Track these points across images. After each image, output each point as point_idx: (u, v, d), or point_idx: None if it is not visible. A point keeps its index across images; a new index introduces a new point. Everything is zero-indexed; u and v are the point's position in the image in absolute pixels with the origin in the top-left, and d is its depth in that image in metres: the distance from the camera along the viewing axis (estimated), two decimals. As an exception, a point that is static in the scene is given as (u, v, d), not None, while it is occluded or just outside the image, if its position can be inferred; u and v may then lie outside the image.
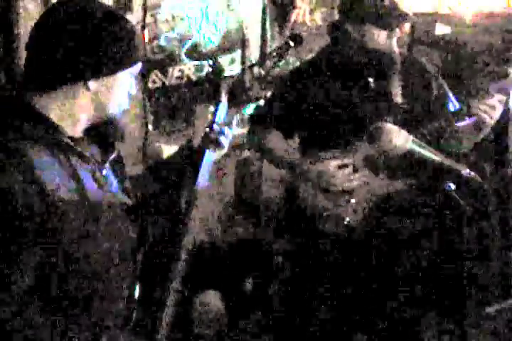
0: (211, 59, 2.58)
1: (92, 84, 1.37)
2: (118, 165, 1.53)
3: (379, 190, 2.35)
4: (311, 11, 3.76)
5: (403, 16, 2.33)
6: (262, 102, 3.50)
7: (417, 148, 1.63)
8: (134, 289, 1.52)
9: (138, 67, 1.46)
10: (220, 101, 1.84)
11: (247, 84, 3.42)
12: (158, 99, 3.37)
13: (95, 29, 1.36)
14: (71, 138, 1.39)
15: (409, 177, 2.34)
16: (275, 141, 2.51)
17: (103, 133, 1.48)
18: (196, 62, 3.41)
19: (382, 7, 2.28)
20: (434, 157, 1.65)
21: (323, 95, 2.40)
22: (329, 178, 2.34)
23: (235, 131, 3.32)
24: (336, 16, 3.22)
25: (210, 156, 1.72)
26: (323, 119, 2.40)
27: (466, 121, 2.26)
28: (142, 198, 1.66)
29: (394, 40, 2.36)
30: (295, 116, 2.45)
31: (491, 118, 2.22)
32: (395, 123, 1.91)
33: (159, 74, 3.32)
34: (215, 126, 1.74)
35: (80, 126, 1.43)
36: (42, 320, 1.30)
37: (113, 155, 1.49)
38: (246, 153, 3.70)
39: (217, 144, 1.72)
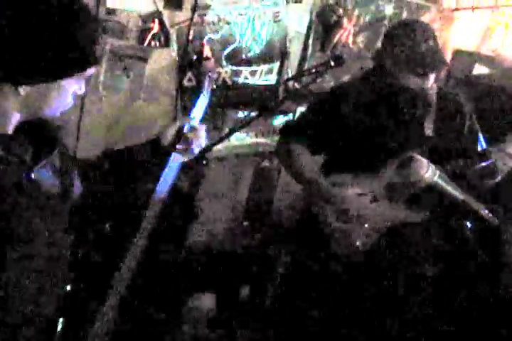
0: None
1: (24, 88, 1.20)
2: (62, 161, 1.38)
3: (394, 219, 2.37)
4: (355, 34, 3.79)
5: (437, 65, 2.30)
6: (291, 115, 3.56)
7: (442, 183, 1.65)
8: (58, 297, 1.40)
9: (90, 71, 1.28)
10: (200, 92, 1.72)
11: (280, 96, 3.47)
12: (190, 97, 3.40)
13: (36, 27, 1.14)
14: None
15: (425, 210, 2.35)
16: (301, 156, 2.53)
17: (39, 130, 1.34)
18: (234, 67, 3.44)
19: (417, 53, 2.25)
20: (456, 193, 1.67)
21: (357, 119, 2.42)
22: (346, 204, 2.36)
23: (258, 140, 3.35)
24: (380, 43, 3.25)
25: (177, 159, 1.59)
26: (353, 142, 2.42)
27: (483, 164, 2.27)
28: (88, 197, 1.53)
29: (429, 82, 2.35)
30: (326, 135, 2.47)
31: (504, 165, 2.22)
32: (421, 156, 1.93)
33: (196, 74, 3.36)
34: (188, 127, 1.59)
35: (9, 124, 1.26)
36: None
37: (51, 155, 1.34)
38: (265, 163, 3.73)
39: (186, 149, 1.59)
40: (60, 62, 1.18)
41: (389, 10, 3.85)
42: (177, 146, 1.59)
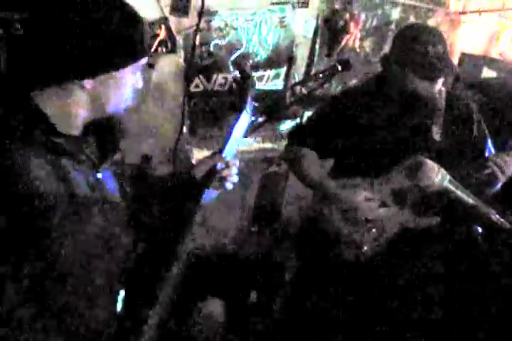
0: (240, 64, 2.48)
1: (88, 82, 1.27)
2: (120, 166, 1.47)
3: (402, 223, 2.35)
4: (362, 38, 3.79)
5: (445, 70, 2.27)
6: (298, 120, 3.55)
7: (453, 188, 1.64)
8: (118, 296, 1.45)
9: (143, 61, 1.35)
10: (242, 110, 1.68)
11: (287, 101, 3.47)
12: (197, 103, 3.40)
13: (91, 23, 1.23)
14: (67, 136, 1.30)
15: (435, 215, 2.34)
16: (310, 160, 2.52)
17: (104, 133, 1.40)
18: (241, 73, 3.45)
19: (425, 58, 2.22)
20: (467, 198, 1.66)
21: (364, 123, 2.41)
22: (354, 208, 2.35)
23: (265, 145, 3.34)
24: (386, 48, 3.23)
25: (210, 195, 1.59)
26: (361, 146, 2.41)
27: (487, 171, 2.24)
28: (142, 201, 1.57)
29: (437, 86, 2.33)
30: (334, 139, 2.46)
31: (503, 174, 2.20)
32: (432, 160, 1.91)
33: (203, 80, 3.36)
34: (226, 155, 1.60)
35: (77, 124, 1.34)
36: (31, 324, 1.23)
37: (114, 157, 1.41)
38: (273, 168, 3.72)
39: (221, 185, 1.60)
40: (115, 53, 1.27)
41: (395, 14, 3.85)
42: (211, 183, 1.59)
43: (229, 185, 1.62)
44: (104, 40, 1.25)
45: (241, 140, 1.68)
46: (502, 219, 1.67)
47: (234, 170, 1.63)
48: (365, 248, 2.37)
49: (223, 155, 1.62)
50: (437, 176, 1.61)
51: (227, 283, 3.29)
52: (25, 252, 1.21)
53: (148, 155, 3.12)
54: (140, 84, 1.38)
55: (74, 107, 1.30)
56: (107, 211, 1.35)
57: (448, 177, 1.61)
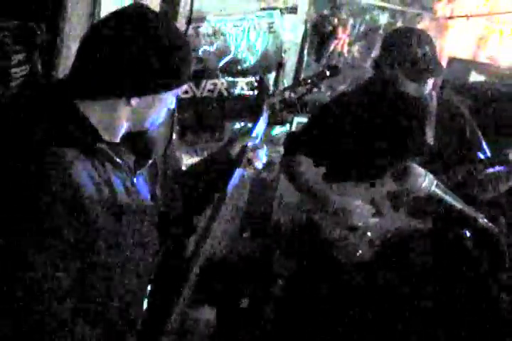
0: (259, 75, 2.61)
1: (134, 100, 1.37)
2: (152, 173, 1.55)
3: (396, 227, 2.36)
4: (350, 43, 3.80)
5: (434, 70, 2.31)
6: (288, 126, 3.56)
7: (440, 192, 1.65)
8: (146, 295, 1.54)
9: (183, 87, 1.47)
10: (260, 115, 1.85)
11: (277, 107, 3.47)
12: (186, 109, 3.40)
13: (147, 48, 1.34)
14: (108, 143, 1.39)
15: (427, 218, 2.35)
16: (306, 167, 2.54)
17: (139, 141, 1.49)
18: (230, 79, 3.45)
19: (414, 59, 2.26)
20: (454, 203, 1.67)
21: (359, 128, 2.42)
22: (349, 213, 2.36)
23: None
24: (375, 52, 3.24)
25: (240, 173, 1.73)
26: (355, 151, 2.42)
27: (497, 168, 2.26)
28: (170, 206, 1.66)
29: (427, 88, 2.35)
30: (329, 145, 2.47)
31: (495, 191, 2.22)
32: (424, 164, 1.92)
33: (192, 86, 3.37)
34: (251, 145, 1.75)
35: (117, 133, 1.44)
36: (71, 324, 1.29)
37: (147, 164, 1.49)
38: (263, 174, 3.72)
39: (251, 164, 1.75)
40: (163, 77, 1.37)
41: (383, 19, 3.87)
42: (242, 161, 1.74)
43: (259, 165, 1.78)
44: (156, 65, 1.35)
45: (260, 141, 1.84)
46: (490, 223, 1.68)
47: (261, 152, 1.78)
48: (361, 252, 2.37)
49: (252, 135, 1.79)
50: (424, 181, 1.62)
51: (218, 289, 3.28)
52: (74, 250, 1.28)
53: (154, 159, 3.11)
54: (173, 105, 1.50)
55: (117, 119, 1.40)
56: (141, 214, 1.44)
57: (435, 182, 1.61)
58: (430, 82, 2.34)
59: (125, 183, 1.41)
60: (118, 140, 1.44)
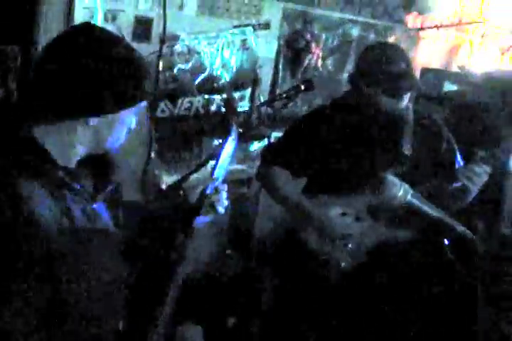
0: (226, 94, 2.56)
1: (92, 120, 1.34)
2: (114, 197, 1.50)
3: (377, 238, 2.37)
4: (324, 57, 3.84)
5: (410, 86, 2.31)
6: (266, 141, 3.57)
7: (416, 202, 1.66)
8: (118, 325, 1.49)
9: (143, 104, 1.43)
10: (228, 136, 1.75)
11: (254, 122, 3.49)
12: (164, 128, 3.41)
13: (102, 66, 1.31)
14: (65, 169, 1.35)
15: (407, 229, 2.36)
16: (283, 180, 2.52)
17: (99, 164, 1.45)
18: (206, 96, 3.47)
19: (390, 75, 2.26)
20: (431, 212, 1.68)
21: (334, 141, 2.42)
22: (329, 225, 2.36)
23: (235, 167, 3.33)
24: (349, 66, 3.28)
25: (202, 219, 1.65)
26: (332, 165, 2.43)
27: (457, 184, 2.28)
28: (136, 231, 1.62)
29: (403, 103, 2.37)
30: (305, 158, 2.47)
31: (474, 185, 2.23)
32: (402, 175, 1.94)
33: (169, 104, 3.37)
34: (211, 188, 1.66)
35: (75, 157, 1.39)
36: None
37: (108, 188, 1.45)
38: (243, 189, 3.73)
39: (209, 212, 1.65)
40: (121, 95, 1.35)
41: (355, 32, 3.92)
42: (202, 208, 1.65)
43: (221, 209, 1.68)
44: (114, 83, 1.32)
45: (228, 165, 1.75)
46: (467, 230, 1.70)
47: (224, 195, 1.68)
48: (343, 264, 2.37)
49: (214, 176, 1.69)
50: (399, 191, 1.63)
51: (204, 307, 3.26)
52: (30, 277, 1.24)
53: (118, 182, 3.10)
54: (134, 125, 1.45)
55: (75, 142, 1.36)
56: (103, 240, 1.39)
57: (411, 191, 1.63)
58: (407, 97, 2.35)
59: (84, 209, 1.36)
60: (75, 164, 1.40)
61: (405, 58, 2.33)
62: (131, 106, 1.39)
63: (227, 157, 1.74)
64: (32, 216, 1.23)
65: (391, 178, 1.66)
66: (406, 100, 2.36)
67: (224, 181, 1.72)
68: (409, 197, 1.64)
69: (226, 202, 1.70)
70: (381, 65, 2.27)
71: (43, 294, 1.27)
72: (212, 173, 1.69)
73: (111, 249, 1.43)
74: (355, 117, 2.44)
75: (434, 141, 2.48)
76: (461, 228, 1.69)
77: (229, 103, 2.05)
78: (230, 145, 1.75)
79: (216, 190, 1.68)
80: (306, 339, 2.47)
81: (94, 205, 1.41)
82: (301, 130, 2.54)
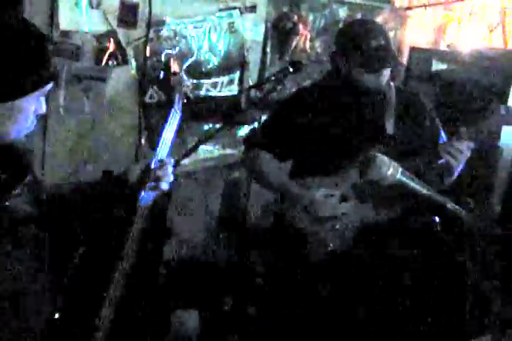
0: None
1: None
2: (33, 187, 1.40)
3: (365, 218, 2.38)
4: (312, 39, 3.82)
5: (388, 61, 2.32)
6: (256, 124, 3.56)
7: (406, 180, 1.66)
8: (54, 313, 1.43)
9: (47, 87, 1.31)
10: (171, 108, 1.67)
11: (243, 106, 3.48)
12: (153, 114, 3.39)
13: None
14: None
15: (395, 207, 2.37)
16: (268, 164, 2.53)
17: (6, 155, 1.34)
18: (195, 81, 3.44)
19: (367, 50, 2.28)
20: (421, 189, 1.69)
21: (317, 122, 2.43)
22: (316, 206, 2.37)
23: (226, 151, 3.33)
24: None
25: (146, 197, 1.54)
26: (316, 146, 2.44)
27: (441, 160, 2.29)
28: (62, 224, 1.51)
29: (383, 78, 2.37)
30: (289, 141, 2.48)
31: (456, 161, 2.24)
32: (386, 154, 1.95)
33: (157, 90, 3.35)
34: (156, 162, 1.54)
35: None
36: None
37: (23, 181, 1.35)
38: (235, 174, 3.72)
39: (155, 186, 1.53)
40: (14, 82, 1.21)
41: (343, 13, 3.89)
42: (146, 185, 1.53)
43: (164, 185, 1.54)
44: (3, 70, 1.20)
45: (173, 138, 1.66)
46: (458, 207, 1.70)
47: (169, 169, 1.55)
48: (332, 245, 2.38)
49: (157, 153, 1.59)
50: (389, 169, 1.63)
51: (199, 291, 3.28)
52: None
53: (109, 170, 3.09)
54: (43, 110, 1.33)
55: None
56: (20, 238, 1.30)
57: (400, 169, 1.63)
58: (386, 72, 2.36)
59: None
60: None
61: (383, 33, 2.35)
62: (31, 92, 1.27)
63: (171, 131, 1.65)
64: None
65: (380, 157, 1.66)
66: (386, 76, 2.38)
67: (170, 155, 1.62)
68: (398, 175, 1.64)
69: (172, 177, 1.55)
70: (360, 41, 2.29)
71: None
72: (155, 148, 1.60)
73: (28, 246, 1.32)
74: (337, 96, 2.45)
75: (416, 119, 2.50)
76: (452, 205, 1.70)
77: (173, 73, 1.95)
78: (175, 119, 1.67)
79: (161, 164, 1.55)
80: (299, 321, 2.49)
81: (7, 203, 1.31)
82: (283, 113, 2.55)
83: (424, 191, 1.69)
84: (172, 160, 1.59)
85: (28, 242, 1.32)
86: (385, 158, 1.67)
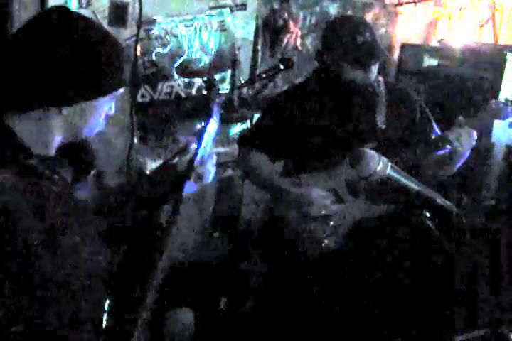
0: (207, 75, 2.54)
1: (66, 108, 1.31)
2: (96, 183, 1.52)
3: (357, 214, 2.39)
4: (303, 36, 3.82)
5: (375, 56, 2.32)
6: (248, 123, 3.56)
7: (395, 175, 1.66)
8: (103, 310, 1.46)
9: (120, 91, 1.40)
10: (210, 117, 1.74)
11: (235, 104, 3.48)
12: (145, 113, 3.38)
13: (75, 53, 1.27)
14: (42, 157, 1.31)
15: (388, 202, 2.38)
16: (261, 162, 2.54)
17: (77, 152, 1.44)
18: (186, 79, 3.44)
19: (354, 46, 2.29)
20: (411, 184, 1.69)
21: (308, 119, 2.44)
22: (309, 205, 2.38)
23: (219, 149, 3.33)
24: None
25: (191, 187, 1.63)
26: (308, 143, 2.44)
27: (444, 150, 2.30)
28: (119, 218, 1.60)
29: (371, 74, 2.37)
30: (281, 139, 2.49)
31: (461, 146, 2.24)
32: (377, 149, 1.95)
33: (149, 89, 3.35)
34: (199, 157, 1.63)
35: (52, 146, 1.36)
36: None
37: (89, 176, 1.47)
38: (229, 172, 3.72)
39: (200, 177, 1.63)
40: (95, 83, 1.32)
41: (333, 10, 3.90)
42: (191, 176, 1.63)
43: (208, 179, 1.65)
44: (85, 71, 1.29)
45: (211, 147, 1.73)
46: (448, 202, 1.70)
47: (210, 165, 1.65)
48: (326, 241, 2.38)
49: (202, 144, 1.67)
50: (379, 165, 1.63)
51: (194, 291, 3.27)
52: (6, 272, 1.20)
53: (99, 171, 3.08)
54: (112, 111, 1.43)
55: (49, 131, 1.33)
56: (84, 229, 1.35)
57: (390, 164, 1.63)
58: (374, 67, 2.37)
59: (63, 198, 1.31)
60: (53, 153, 1.36)
61: (369, 29, 2.36)
62: (106, 94, 1.35)
63: (209, 139, 1.72)
64: (4, 209, 1.18)
65: (369, 152, 1.66)
66: (374, 72, 2.38)
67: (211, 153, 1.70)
68: (388, 170, 1.64)
69: (214, 170, 1.67)
70: (346, 37, 2.30)
71: (19, 286, 1.22)
72: (195, 157, 1.67)
73: (92, 238, 1.37)
74: (326, 93, 2.45)
75: (407, 112, 2.50)
76: (442, 200, 1.70)
77: (210, 83, 2.04)
78: (213, 126, 1.74)
79: (203, 160, 1.64)
80: (294, 319, 2.49)
81: (74, 194, 1.38)
82: (273, 112, 2.55)
83: (415, 186, 1.70)
84: (214, 158, 1.68)
85: (91, 230, 1.38)
86: (375, 153, 1.66)
